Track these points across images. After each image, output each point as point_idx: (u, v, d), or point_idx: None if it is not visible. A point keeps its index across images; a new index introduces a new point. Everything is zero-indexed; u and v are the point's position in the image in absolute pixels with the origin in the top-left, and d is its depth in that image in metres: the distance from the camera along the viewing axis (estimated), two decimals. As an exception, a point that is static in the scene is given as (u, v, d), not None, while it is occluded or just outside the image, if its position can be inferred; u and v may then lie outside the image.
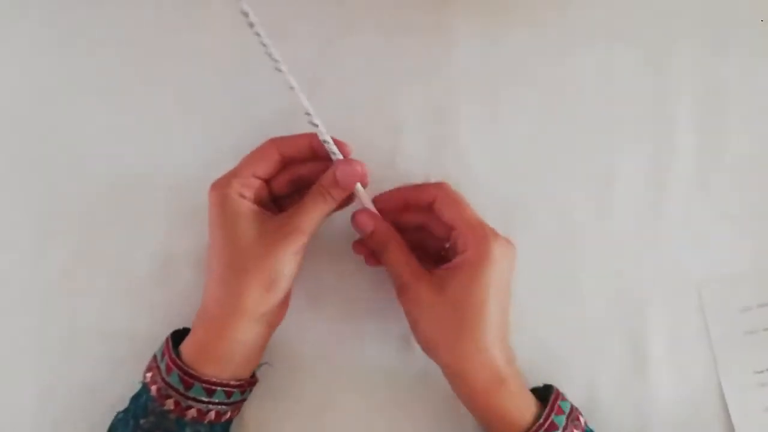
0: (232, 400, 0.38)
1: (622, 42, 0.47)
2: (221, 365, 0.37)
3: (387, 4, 0.47)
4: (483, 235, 0.37)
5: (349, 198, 0.40)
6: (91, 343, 0.43)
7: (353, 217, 0.40)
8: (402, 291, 0.38)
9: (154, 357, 0.39)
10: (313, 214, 0.38)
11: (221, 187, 0.38)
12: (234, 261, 0.37)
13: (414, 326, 0.38)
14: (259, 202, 0.39)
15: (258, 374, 0.41)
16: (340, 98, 0.46)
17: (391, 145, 0.46)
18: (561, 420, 0.37)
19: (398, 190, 0.42)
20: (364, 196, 0.40)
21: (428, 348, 0.38)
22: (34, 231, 0.44)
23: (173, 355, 0.37)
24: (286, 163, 0.40)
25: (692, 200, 0.46)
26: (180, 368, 0.36)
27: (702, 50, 0.47)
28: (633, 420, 0.43)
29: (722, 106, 0.47)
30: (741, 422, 0.43)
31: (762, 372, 0.44)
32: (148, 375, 0.38)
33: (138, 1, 0.46)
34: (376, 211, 0.40)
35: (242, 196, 0.38)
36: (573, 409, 0.38)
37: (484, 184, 0.45)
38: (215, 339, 0.37)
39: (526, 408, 0.37)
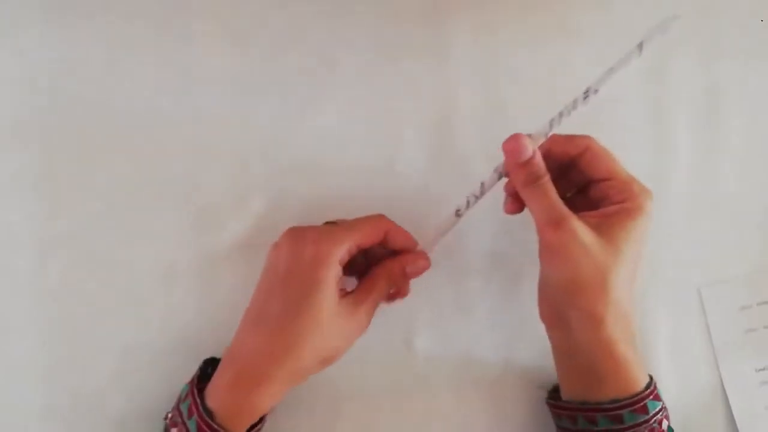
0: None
1: (621, 43, 0.47)
2: (256, 416, 0.36)
3: (383, 15, 0.47)
4: (642, 189, 0.37)
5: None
6: (95, 354, 0.43)
7: (511, 140, 0.36)
8: (558, 225, 0.35)
9: (178, 410, 0.36)
10: (378, 299, 0.38)
11: (328, 243, 0.36)
12: (305, 328, 0.35)
13: (561, 265, 0.36)
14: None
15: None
16: (337, 108, 0.46)
17: (390, 154, 0.45)
18: (660, 393, 0.37)
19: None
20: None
21: (572, 290, 0.36)
22: (35, 240, 0.44)
23: (206, 418, 0.34)
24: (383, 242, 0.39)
25: (691, 200, 0.46)
26: (215, 431, 0.34)
27: (701, 50, 0.47)
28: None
29: (721, 106, 0.47)
30: (744, 420, 0.43)
31: (763, 370, 0.44)
32: (174, 430, 0.36)
33: (143, 7, 0.46)
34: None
35: (341, 261, 0.36)
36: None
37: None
38: (258, 400, 0.35)
39: (643, 372, 0.37)
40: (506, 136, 0.46)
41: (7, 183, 0.44)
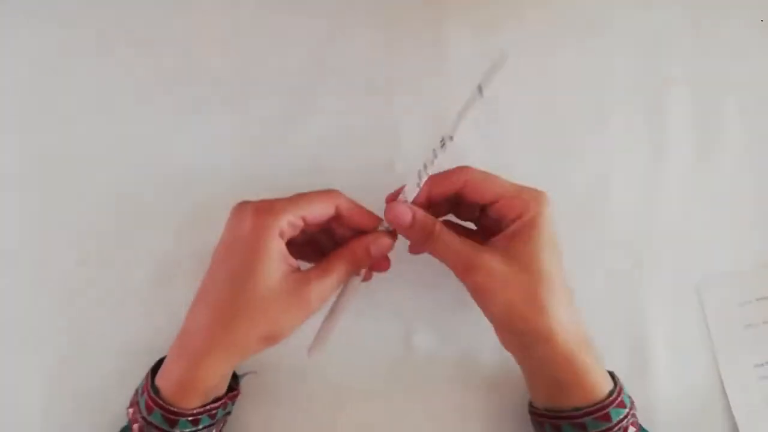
0: (216, 419, 0.37)
1: (619, 42, 0.47)
2: (203, 397, 0.36)
3: (380, 11, 0.47)
4: (532, 196, 0.37)
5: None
6: (95, 353, 0.43)
7: (388, 210, 0.37)
8: (470, 270, 0.36)
9: (136, 391, 0.37)
10: (336, 280, 0.37)
11: (266, 213, 0.35)
12: (244, 303, 0.34)
13: (491, 302, 0.36)
14: (289, 244, 0.37)
15: (259, 377, 0.41)
16: (337, 108, 0.46)
17: (389, 151, 0.46)
18: (627, 400, 0.37)
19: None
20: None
21: (511, 319, 0.36)
22: (35, 241, 0.44)
23: (153, 395, 0.35)
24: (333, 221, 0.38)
25: (689, 197, 0.46)
26: (162, 408, 0.35)
27: (700, 49, 0.47)
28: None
29: (719, 103, 0.47)
30: (743, 416, 0.43)
31: (762, 365, 0.44)
32: (130, 411, 0.36)
33: (141, 6, 0.47)
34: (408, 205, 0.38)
35: (282, 234, 0.35)
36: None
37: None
38: (198, 378, 0.35)
39: (604, 373, 0.37)
40: (506, 135, 0.46)
41: (7, 183, 0.45)
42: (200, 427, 0.36)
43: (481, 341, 0.44)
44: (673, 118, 0.47)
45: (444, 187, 0.38)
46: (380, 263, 0.39)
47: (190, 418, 0.35)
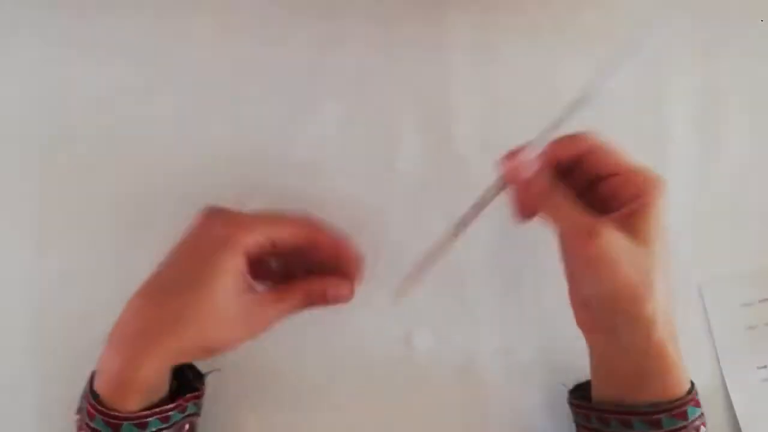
0: (171, 422, 0.35)
1: (619, 41, 0.47)
2: (145, 396, 0.34)
3: (381, 14, 0.47)
4: (652, 179, 0.35)
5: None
6: (95, 358, 0.43)
7: (504, 159, 0.36)
8: (591, 235, 0.33)
9: (81, 396, 0.35)
10: (287, 310, 0.36)
11: (236, 228, 0.34)
12: (192, 309, 0.33)
13: (605, 275, 0.34)
14: (251, 262, 0.36)
15: (259, 378, 0.41)
16: (337, 108, 0.46)
17: (389, 154, 0.46)
18: (699, 408, 0.36)
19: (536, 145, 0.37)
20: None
21: (619, 297, 0.34)
22: (34, 239, 0.44)
23: (92, 400, 0.33)
24: (305, 248, 0.37)
25: (692, 198, 0.46)
26: (101, 412, 0.33)
27: (700, 50, 0.47)
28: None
29: (721, 105, 0.47)
30: (746, 418, 0.43)
31: (765, 367, 0.44)
32: (77, 417, 0.35)
33: (137, 9, 0.46)
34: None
35: (247, 253, 0.34)
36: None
37: (482, 187, 0.45)
38: (137, 374, 0.33)
39: (686, 370, 0.35)
40: (506, 135, 0.46)
41: (6, 185, 0.45)
42: (151, 430, 0.34)
43: (483, 342, 0.43)
44: (675, 120, 0.47)
45: (568, 150, 0.36)
46: (346, 298, 0.38)
47: (134, 422, 0.33)
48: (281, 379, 0.43)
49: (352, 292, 0.38)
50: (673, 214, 0.45)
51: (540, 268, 0.44)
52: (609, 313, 0.35)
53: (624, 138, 0.46)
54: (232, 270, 0.34)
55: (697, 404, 0.35)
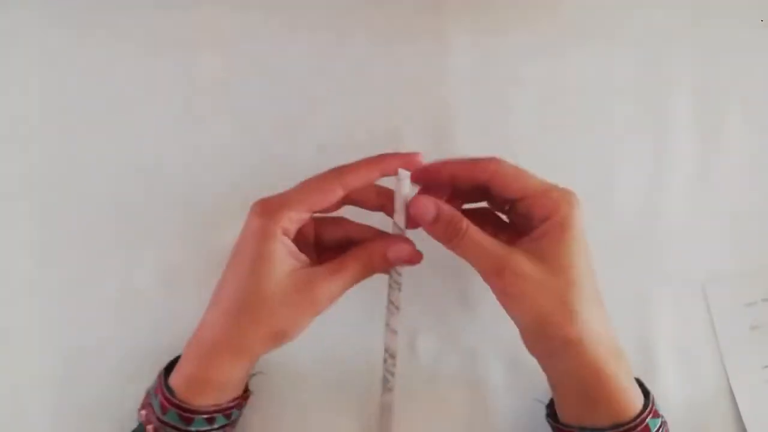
0: (232, 419, 0.37)
1: (620, 42, 0.47)
2: (216, 395, 0.36)
3: (380, 13, 0.47)
4: (561, 196, 0.36)
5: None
6: (100, 360, 0.43)
7: (411, 203, 0.36)
8: (499, 271, 0.34)
9: (147, 393, 0.37)
10: (348, 283, 0.36)
11: (267, 214, 0.35)
12: (249, 303, 0.34)
13: (520, 307, 0.35)
14: (300, 240, 0.36)
15: (262, 380, 0.41)
16: (337, 109, 0.46)
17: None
18: (658, 407, 0.35)
19: (443, 164, 0.37)
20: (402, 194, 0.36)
21: (540, 325, 0.34)
22: (40, 245, 0.44)
23: (167, 394, 0.35)
24: (346, 199, 0.37)
25: (694, 197, 0.46)
26: (177, 406, 0.35)
27: (701, 48, 0.47)
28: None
29: (722, 104, 0.47)
30: (751, 418, 0.43)
31: (769, 367, 0.44)
32: (143, 413, 0.36)
33: (137, 11, 0.47)
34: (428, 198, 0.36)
35: (286, 232, 0.35)
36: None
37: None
38: (210, 374, 0.35)
39: (636, 388, 0.35)
40: (506, 136, 0.46)
41: (9, 188, 0.45)
42: (215, 426, 0.36)
43: (487, 345, 0.43)
44: (676, 119, 0.47)
45: (470, 175, 0.37)
46: (411, 258, 0.37)
47: (205, 416, 0.35)
48: (284, 381, 0.43)
49: (414, 250, 0.37)
50: (676, 213, 0.46)
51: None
52: (538, 339, 0.35)
53: (624, 138, 0.46)
54: (276, 254, 0.34)
55: (657, 414, 0.35)
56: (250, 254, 0.35)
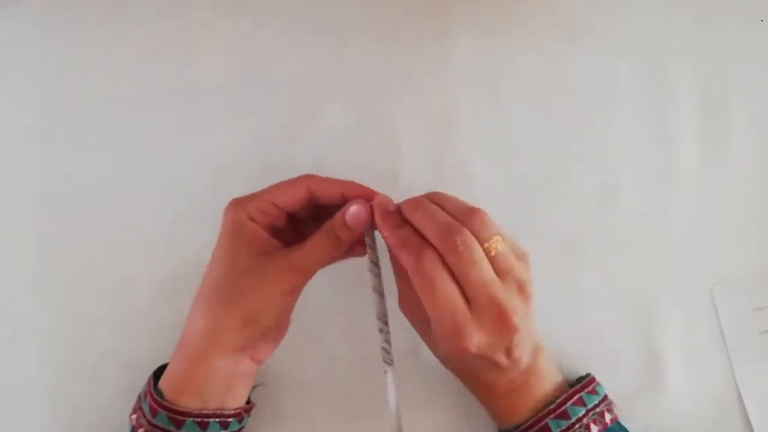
0: (229, 429, 0.36)
1: (620, 42, 0.47)
2: (202, 396, 0.35)
3: (381, 14, 0.47)
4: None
5: (361, 249, 0.38)
6: (98, 368, 0.43)
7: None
8: (459, 340, 0.34)
9: (138, 397, 0.37)
10: (315, 254, 0.36)
11: (235, 206, 0.37)
12: (221, 288, 0.35)
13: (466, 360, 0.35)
14: (272, 230, 0.37)
15: (265, 390, 0.41)
16: (339, 111, 0.46)
17: (392, 156, 0.45)
18: (577, 411, 0.36)
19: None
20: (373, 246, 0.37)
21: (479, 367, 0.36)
22: (38, 253, 0.44)
23: (156, 396, 0.35)
24: (313, 202, 0.38)
25: (700, 201, 0.45)
26: (166, 408, 0.35)
27: (704, 50, 0.47)
28: (650, 425, 0.42)
29: (726, 106, 0.47)
30: (760, 423, 0.42)
31: (778, 372, 0.43)
32: (134, 417, 0.36)
33: (138, 14, 0.46)
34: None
35: (253, 220, 0.36)
36: (600, 403, 0.37)
37: (486, 191, 0.45)
38: (191, 369, 0.35)
39: (548, 388, 0.37)
40: (507, 136, 0.46)
41: (8, 196, 0.44)
42: None
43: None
44: (680, 120, 0.46)
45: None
46: (368, 217, 0.36)
47: (197, 420, 0.35)
48: (286, 387, 0.42)
49: (365, 209, 0.36)
50: (684, 217, 0.45)
51: (547, 278, 0.43)
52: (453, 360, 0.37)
53: (629, 142, 0.46)
54: (243, 238, 0.36)
55: (580, 403, 0.36)
56: (223, 243, 0.36)
